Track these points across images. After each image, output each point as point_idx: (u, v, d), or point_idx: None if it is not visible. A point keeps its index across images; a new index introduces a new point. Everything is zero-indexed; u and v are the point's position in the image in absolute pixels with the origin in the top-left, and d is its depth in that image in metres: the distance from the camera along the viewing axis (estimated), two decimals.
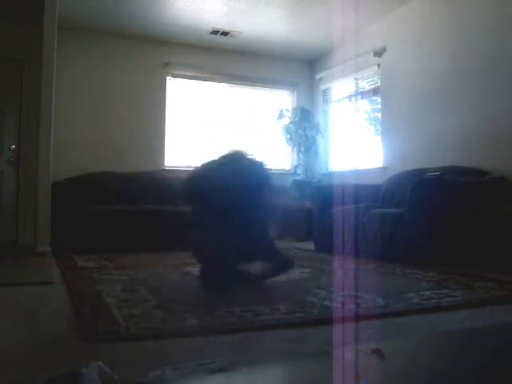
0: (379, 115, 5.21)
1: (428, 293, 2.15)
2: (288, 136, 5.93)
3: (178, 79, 5.66)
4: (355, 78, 5.57)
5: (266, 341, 1.47)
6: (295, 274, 2.74)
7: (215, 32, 5.33)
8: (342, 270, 2.93)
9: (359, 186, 4.45)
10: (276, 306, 1.84)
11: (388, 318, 1.71)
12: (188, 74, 5.67)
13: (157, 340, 1.44)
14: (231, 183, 2.15)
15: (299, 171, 6.06)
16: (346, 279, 2.53)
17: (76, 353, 1.34)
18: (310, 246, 4.54)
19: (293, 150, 6.07)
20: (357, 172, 5.32)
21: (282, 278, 2.59)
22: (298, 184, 5.86)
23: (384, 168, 4.97)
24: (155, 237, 4.25)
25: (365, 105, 5.61)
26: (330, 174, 5.91)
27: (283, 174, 6.10)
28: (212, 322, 1.61)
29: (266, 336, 1.50)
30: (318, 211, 4.43)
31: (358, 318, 1.66)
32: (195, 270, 2.88)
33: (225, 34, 5.37)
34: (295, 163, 6.06)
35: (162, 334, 1.47)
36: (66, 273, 2.75)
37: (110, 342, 1.40)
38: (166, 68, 5.54)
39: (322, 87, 6.17)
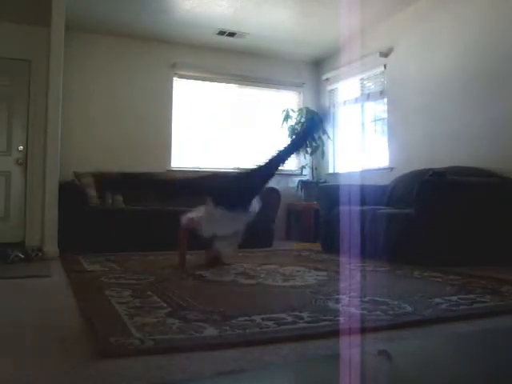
0: (385, 115, 5.14)
1: (455, 298, 2.04)
2: (294, 137, 5.83)
3: (185, 80, 5.60)
4: (362, 79, 5.50)
5: (292, 354, 1.35)
6: (312, 277, 2.64)
7: (222, 33, 5.27)
8: (360, 273, 2.82)
9: (366, 186, 4.44)
10: (298, 313, 1.73)
11: (421, 325, 1.60)
12: (194, 74, 5.62)
13: (174, 353, 1.32)
14: None
15: (305, 172, 5.98)
16: (365, 283, 2.42)
17: (86, 370, 1.23)
18: (318, 247, 4.45)
19: (299, 151, 5.97)
20: (363, 172, 5.25)
21: (298, 282, 2.48)
22: (305, 185, 5.78)
23: (391, 168, 4.91)
24: (162, 237, 4.20)
25: (371, 105, 5.53)
26: (336, 175, 5.84)
27: (290, 174, 6.02)
28: (232, 332, 1.50)
29: (291, 349, 1.39)
30: (325, 212, 4.35)
31: (388, 326, 1.55)
32: (206, 272, 2.79)
33: (231, 34, 5.31)
34: (302, 164, 5.96)
35: (179, 347, 1.36)
36: (73, 277, 2.65)
37: (124, 356, 1.29)
38: (173, 69, 5.49)
39: (329, 88, 6.10)
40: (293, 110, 5.91)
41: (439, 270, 2.86)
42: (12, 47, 4.38)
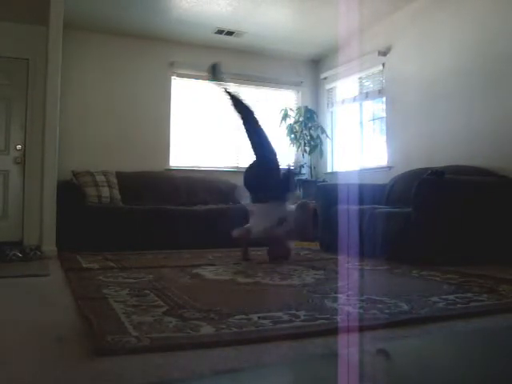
0: (384, 114, 5.14)
1: (452, 297, 2.04)
2: (292, 135, 5.84)
3: (183, 79, 5.60)
4: (360, 78, 5.50)
5: (290, 352, 1.35)
6: (309, 276, 2.65)
7: (220, 31, 5.27)
8: (357, 272, 2.82)
9: (364, 185, 4.45)
10: (294, 311, 1.73)
11: (418, 324, 1.60)
12: (193, 73, 5.61)
13: (170, 352, 1.32)
14: None
15: (304, 171, 5.98)
16: (363, 282, 2.42)
17: (83, 368, 1.23)
18: (316, 246, 4.45)
19: (297, 150, 5.98)
20: (362, 171, 5.26)
21: (296, 281, 2.49)
22: (303, 184, 5.77)
23: (389, 167, 4.91)
24: (159, 236, 4.29)
25: (370, 104, 5.53)
26: (334, 174, 5.84)
27: None
28: (229, 330, 1.50)
29: (288, 347, 1.39)
30: (324, 211, 4.35)
31: (385, 325, 1.55)
32: (204, 271, 2.79)
33: (230, 33, 5.31)
34: (300, 162, 5.96)
35: (176, 345, 1.36)
36: (71, 275, 2.65)
37: (120, 355, 1.29)
38: (171, 67, 5.49)
39: (327, 86, 6.10)
40: (291, 109, 5.92)
41: (437, 268, 2.87)
42: (10, 46, 4.38)
